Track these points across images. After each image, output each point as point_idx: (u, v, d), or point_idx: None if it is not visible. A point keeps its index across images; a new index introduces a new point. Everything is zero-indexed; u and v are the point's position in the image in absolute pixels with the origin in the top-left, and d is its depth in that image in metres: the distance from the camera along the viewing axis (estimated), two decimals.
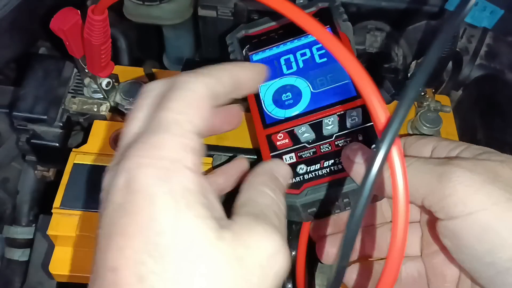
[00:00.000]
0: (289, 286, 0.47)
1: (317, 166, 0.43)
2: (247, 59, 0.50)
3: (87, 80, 0.58)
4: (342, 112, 0.45)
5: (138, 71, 0.62)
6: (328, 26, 0.50)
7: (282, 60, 0.49)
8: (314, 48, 0.49)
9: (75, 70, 0.60)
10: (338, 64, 0.44)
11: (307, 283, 0.46)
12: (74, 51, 0.51)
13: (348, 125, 0.44)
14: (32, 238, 0.68)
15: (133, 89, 0.57)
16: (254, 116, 0.47)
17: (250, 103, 0.48)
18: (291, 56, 0.49)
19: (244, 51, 0.51)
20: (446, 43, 0.30)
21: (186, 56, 0.74)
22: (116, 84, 0.58)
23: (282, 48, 0.50)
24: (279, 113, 0.46)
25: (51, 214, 0.49)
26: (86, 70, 0.54)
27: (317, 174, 0.42)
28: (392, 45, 0.72)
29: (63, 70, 0.60)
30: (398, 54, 0.71)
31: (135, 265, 0.24)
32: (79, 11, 0.49)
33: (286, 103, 0.47)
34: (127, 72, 0.61)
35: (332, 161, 0.43)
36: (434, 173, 0.34)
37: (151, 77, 0.61)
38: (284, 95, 0.47)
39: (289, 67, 0.49)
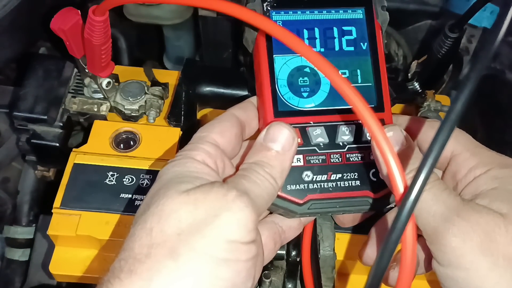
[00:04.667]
0: (289, 286, 0.47)
1: (324, 177, 0.40)
2: (266, 16, 0.42)
3: (87, 80, 0.58)
4: (361, 121, 0.39)
5: (138, 71, 0.62)
6: (364, 7, 0.43)
7: (305, 32, 0.43)
8: (343, 30, 0.43)
9: (75, 70, 0.60)
10: (365, 58, 0.42)
11: (315, 282, 0.45)
12: (74, 51, 0.51)
13: (364, 138, 0.41)
14: (33, 238, 0.68)
15: (133, 89, 0.57)
16: (265, 95, 0.41)
17: (261, 77, 0.42)
18: (316, 30, 0.43)
19: (265, 5, 0.42)
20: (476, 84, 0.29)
21: (186, 56, 0.74)
22: (116, 84, 0.58)
23: (309, 16, 0.43)
24: (293, 101, 0.41)
25: (51, 214, 0.49)
26: (87, 70, 0.54)
27: (323, 186, 0.40)
28: (393, 45, 0.72)
29: (63, 70, 0.60)
30: (399, 54, 0.72)
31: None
32: (79, 11, 0.49)
33: (302, 90, 0.42)
34: (127, 72, 0.61)
35: (340, 175, 0.40)
36: (438, 219, 0.36)
37: (151, 77, 0.61)
38: (301, 79, 0.42)
39: (312, 43, 0.42)
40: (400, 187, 0.30)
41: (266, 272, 0.45)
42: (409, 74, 0.61)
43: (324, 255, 0.48)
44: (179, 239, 0.31)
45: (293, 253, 0.45)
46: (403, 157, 0.38)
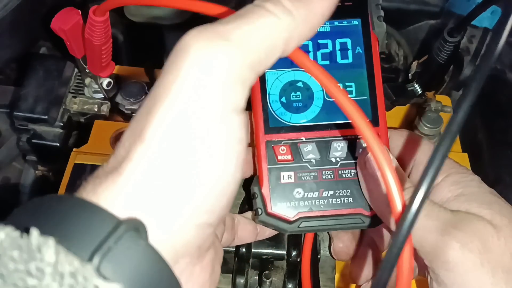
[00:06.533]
0: (290, 286, 0.47)
1: (316, 194, 0.40)
2: None
3: (87, 80, 0.58)
4: (354, 137, 0.40)
5: (139, 71, 0.62)
6: (359, 18, 0.42)
7: None
8: (337, 42, 0.42)
9: (76, 70, 0.60)
10: (360, 71, 0.41)
11: (313, 282, 0.45)
12: (75, 51, 0.51)
13: (357, 154, 0.40)
14: None
15: (134, 89, 0.57)
16: (256, 111, 0.41)
17: (253, 92, 0.41)
18: (309, 44, 0.42)
19: None
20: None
21: None
22: (116, 84, 0.58)
23: None
24: (285, 116, 0.41)
25: None
26: (87, 70, 0.54)
27: (314, 203, 0.40)
28: (393, 45, 0.72)
29: (64, 70, 0.60)
30: (399, 54, 0.72)
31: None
32: (80, 11, 0.49)
33: (294, 105, 0.41)
34: (128, 72, 0.61)
35: (332, 192, 0.40)
36: (435, 234, 0.35)
37: (152, 77, 0.61)
38: (293, 94, 0.41)
39: None
40: (398, 206, 0.29)
41: (266, 272, 0.45)
42: (409, 74, 0.61)
43: (324, 255, 0.48)
44: None
45: (294, 253, 0.45)
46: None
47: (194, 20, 0.70)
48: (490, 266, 0.34)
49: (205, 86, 0.25)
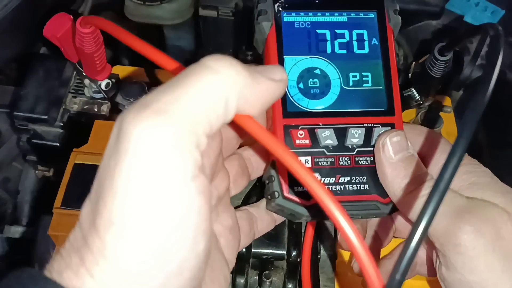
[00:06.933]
0: (290, 286, 0.47)
1: (332, 180, 0.39)
2: (278, 16, 0.42)
3: (87, 81, 0.58)
4: (370, 125, 0.41)
5: (139, 71, 0.62)
6: (375, 10, 0.43)
7: (316, 34, 0.42)
8: (354, 33, 0.43)
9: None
10: (376, 62, 0.42)
11: (313, 282, 0.45)
12: (70, 56, 0.51)
13: (373, 142, 0.41)
14: (33, 238, 0.68)
15: (134, 89, 0.57)
16: None
17: None
18: (327, 32, 0.42)
19: (276, 6, 0.42)
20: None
21: (187, 57, 0.74)
22: (116, 84, 0.58)
23: (320, 18, 0.43)
24: (303, 102, 0.41)
25: (52, 214, 0.49)
26: (84, 74, 0.54)
27: (330, 189, 0.39)
28: None
29: (64, 70, 0.60)
30: (399, 54, 0.72)
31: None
32: (71, 16, 0.48)
33: (312, 91, 0.41)
34: (128, 72, 0.61)
35: (349, 178, 0.40)
36: (448, 218, 0.35)
37: (152, 77, 0.61)
38: (311, 80, 0.41)
39: (322, 46, 0.42)
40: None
41: (266, 272, 0.45)
42: (409, 75, 0.62)
43: (324, 255, 0.48)
44: None
45: (294, 253, 0.46)
46: (413, 176, 0.38)
47: (194, 20, 0.70)
48: (502, 253, 0.34)
49: (154, 166, 0.24)
